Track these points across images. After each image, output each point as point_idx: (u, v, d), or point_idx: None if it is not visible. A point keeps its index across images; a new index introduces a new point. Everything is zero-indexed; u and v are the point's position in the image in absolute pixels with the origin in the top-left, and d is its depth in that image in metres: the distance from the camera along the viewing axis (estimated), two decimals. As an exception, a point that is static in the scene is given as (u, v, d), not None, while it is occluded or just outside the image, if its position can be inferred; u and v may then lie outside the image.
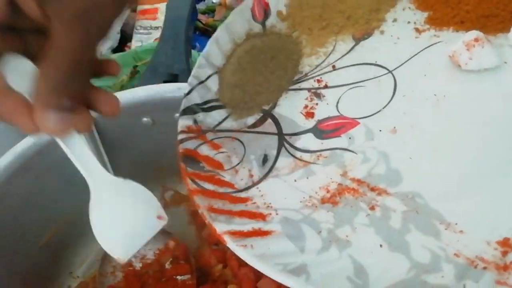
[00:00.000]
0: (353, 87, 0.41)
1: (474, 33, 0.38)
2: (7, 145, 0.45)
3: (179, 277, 0.50)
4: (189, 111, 0.41)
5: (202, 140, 0.40)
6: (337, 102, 0.41)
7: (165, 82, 0.51)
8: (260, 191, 0.37)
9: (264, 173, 0.38)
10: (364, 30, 0.44)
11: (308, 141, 0.40)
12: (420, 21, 0.43)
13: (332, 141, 0.39)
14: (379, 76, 0.41)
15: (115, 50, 0.81)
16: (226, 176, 0.38)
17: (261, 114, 0.42)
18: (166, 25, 0.56)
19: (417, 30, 0.43)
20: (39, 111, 0.25)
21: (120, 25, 0.81)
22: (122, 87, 0.67)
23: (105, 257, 0.52)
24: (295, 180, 0.38)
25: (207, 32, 0.82)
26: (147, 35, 0.80)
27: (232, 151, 0.40)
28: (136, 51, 0.72)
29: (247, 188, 0.37)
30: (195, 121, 0.40)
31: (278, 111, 0.42)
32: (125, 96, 0.48)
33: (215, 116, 0.42)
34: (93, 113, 0.47)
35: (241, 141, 0.41)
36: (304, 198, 0.36)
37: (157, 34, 0.79)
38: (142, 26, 0.81)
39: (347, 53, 0.44)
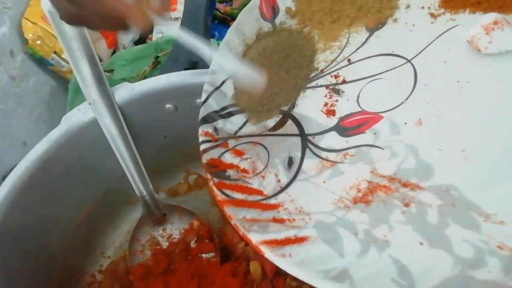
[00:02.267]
0: (372, 80, 0.35)
1: (492, 16, 0.33)
2: (41, 133, 0.45)
3: (203, 255, 0.48)
4: (208, 119, 0.36)
5: (225, 147, 0.35)
6: (358, 97, 0.35)
7: (186, 69, 0.46)
8: (289, 195, 0.32)
9: (291, 176, 0.33)
10: (377, 20, 0.38)
11: (332, 139, 0.35)
12: (435, 5, 0.36)
13: (357, 138, 0.34)
14: (398, 67, 0.35)
15: (137, 42, 0.78)
16: (254, 183, 0.33)
17: (281, 116, 0.37)
18: (186, 15, 0.52)
19: (432, 15, 0.36)
20: None
21: (142, 17, 0.75)
22: (145, 77, 0.62)
23: (134, 237, 0.49)
24: (324, 182, 0.33)
25: (225, 21, 0.79)
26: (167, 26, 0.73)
27: (256, 157, 0.35)
28: (157, 42, 0.68)
29: (276, 194, 0.33)
30: (215, 129, 0.36)
31: (297, 111, 0.37)
32: (149, 84, 0.45)
33: (235, 122, 0.37)
34: (119, 101, 0.41)
35: (263, 146, 0.36)
36: (335, 199, 0.31)
37: (176, 25, 0.72)
38: (162, 18, 0.74)
39: (362, 45, 0.37)
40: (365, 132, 0.34)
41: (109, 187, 0.51)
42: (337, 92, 0.36)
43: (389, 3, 0.38)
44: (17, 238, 0.43)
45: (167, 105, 0.46)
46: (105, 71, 0.61)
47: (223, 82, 0.38)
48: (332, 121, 0.35)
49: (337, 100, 0.36)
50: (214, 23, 0.78)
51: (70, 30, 0.43)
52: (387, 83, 0.35)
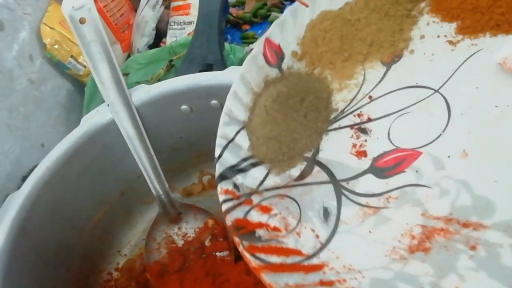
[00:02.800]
0: (401, 115, 0.32)
1: None
2: (59, 135, 0.46)
3: (218, 253, 0.47)
4: (226, 175, 0.32)
5: (249, 205, 0.31)
6: (388, 134, 0.31)
7: (200, 71, 0.47)
8: (333, 252, 0.28)
9: (331, 229, 0.29)
10: (392, 53, 0.34)
11: (369, 183, 0.30)
12: (451, 32, 0.33)
13: (397, 178, 0.30)
14: (426, 98, 0.32)
15: (151, 46, 0.76)
16: (289, 242, 0.29)
17: (305, 163, 0.33)
18: (200, 19, 0.51)
19: (450, 42, 0.33)
20: None
21: (155, 22, 0.76)
22: (159, 80, 0.62)
23: (150, 235, 0.48)
24: (370, 232, 0.28)
25: (237, 25, 0.76)
26: (181, 30, 0.74)
27: (286, 211, 0.31)
28: (171, 46, 0.65)
29: (317, 252, 0.28)
30: (235, 185, 0.32)
31: (323, 156, 0.33)
32: (165, 86, 0.43)
33: (255, 175, 0.33)
34: (136, 103, 0.42)
35: (292, 198, 0.31)
36: (387, 250, 0.27)
37: (190, 28, 0.72)
38: (176, 22, 0.75)
39: (381, 80, 0.34)
40: (405, 171, 0.29)
41: (125, 187, 0.50)
42: (364, 131, 0.32)
43: (401, 35, 0.34)
44: (37, 236, 0.40)
45: (183, 107, 0.44)
46: None
47: (236, 133, 0.34)
48: (365, 163, 0.31)
49: (366, 140, 0.32)
50: (226, 27, 0.74)
51: (89, 34, 0.40)
52: (418, 116, 0.31)
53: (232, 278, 0.43)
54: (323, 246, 0.28)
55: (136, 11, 0.77)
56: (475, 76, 0.31)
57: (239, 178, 0.32)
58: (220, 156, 0.33)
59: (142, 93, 0.44)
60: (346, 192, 0.30)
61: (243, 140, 0.34)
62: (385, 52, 0.35)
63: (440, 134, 0.30)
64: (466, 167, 0.28)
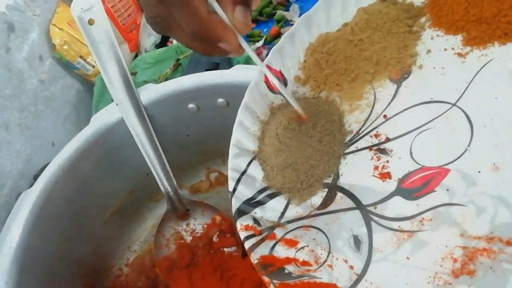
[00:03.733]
0: (420, 132, 0.30)
1: None
2: (68, 134, 0.44)
3: (225, 249, 0.46)
4: (243, 210, 0.29)
5: (273, 239, 0.28)
6: (411, 153, 0.29)
7: (207, 70, 0.47)
8: (371, 283, 0.25)
9: (365, 259, 0.27)
10: (400, 70, 0.33)
11: (399, 206, 0.28)
12: (458, 45, 0.31)
13: (428, 198, 0.27)
14: (444, 113, 0.29)
15: (158, 46, 0.75)
16: (323, 276, 0.26)
17: (326, 190, 0.30)
18: None
19: (460, 54, 0.31)
20: (229, 6, 0.25)
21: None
22: (166, 79, 0.62)
23: (159, 231, 0.49)
24: (407, 258, 0.26)
25: None
26: (187, 30, 0.75)
27: (313, 243, 0.28)
28: (178, 45, 0.63)
29: (354, 285, 0.26)
30: (255, 220, 0.29)
31: (345, 181, 0.30)
32: (173, 85, 0.43)
33: (275, 207, 0.30)
34: (144, 102, 0.43)
35: (318, 228, 0.29)
36: (429, 276, 0.25)
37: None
38: (183, 21, 0.76)
39: (393, 98, 0.32)
40: (435, 191, 0.27)
41: (134, 185, 0.49)
42: (384, 152, 0.30)
43: (407, 51, 0.33)
44: (50, 233, 0.40)
45: (190, 105, 0.44)
46: None
47: (248, 164, 0.32)
48: (391, 185, 0.28)
49: (387, 161, 0.29)
50: None
51: (98, 35, 0.40)
52: (439, 132, 0.29)
53: (239, 273, 0.43)
54: (360, 277, 0.26)
55: (143, 11, 0.78)
56: (491, 87, 0.29)
57: (258, 212, 0.30)
58: (234, 190, 0.30)
59: (150, 92, 0.44)
60: (375, 218, 0.27)
61: (256, 171, 0.32)
62: (393, 70, 0.33)
63: (466, 149, 0.28)
64: (499, 181, 0.26)
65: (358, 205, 0.29)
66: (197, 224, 0.49)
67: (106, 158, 0.45)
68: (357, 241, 0.28)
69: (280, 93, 0.34)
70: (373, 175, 0.29)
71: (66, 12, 0.65)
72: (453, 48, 0.32)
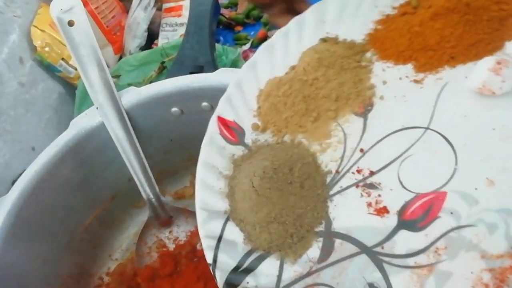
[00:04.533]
0: (403, 160, 0.29)
1: (491, 59, 0.29)
2: (49, 139, 0.43)
3: None
4: (232, 283, 0.27)
5: None
6: (401, 183, 0.28)
7: (191, 73, 0.46)
8: None
9: None
10: (362, 103, 0.32)
11: (407, 240, 0.26)
12: (410, 72, 0.32)
13: (435, 226, 0.26)
14: (420, 137, 0.29)
15: (143, 48, 0.73)
16: None
17: (322, 239, 0.28)
18: (191, 20, 0.49)
19: (416, 81, 0.32)
20: None
21: (147, 23, 0.76)
22: (151, 82, 0.62)
23: (141, 239, 0.47)
24: None
25: (230, 26, 0.74)
26: (173, 32, 0.73)
27: None
28: (163, 48, 0.62)
29: None
30: None
31: (339, 225, 0.28)
32: (155, 88, 0.42)
33: (268, 271, 0.27)
34: (126, 105, 0.42)
35: (325, 285, 0.26)
36: None
37: (182, 30, 0.71)
38: (168, 24, 0.74)
39: (364, 131, 0.31)
40: (439, 217, 0.26)
41: (116, 191, 0.48)
42: (372, 186, 0.29)
43: (363, 85, 0.33)
44: (26, 241, 0.39)
45: (173, 109, 0.43)
46: (112, 76, 0.60)
47: (223, 228, 0.29)
48: (391, 220, 0.27)
49: (379, 195, 0.28)
50: (219, 28, 0.71)
51: (78, 36, 0.38)
52: (422, 156, 0.29)
53: None
54: None
55: (127, 12, 0.75)
56: (457, 106, 0.30)
57: (250, 281, 0.27)
58: (215, 260, 0.27)
59: (132, 96, 0.42)
60: (386, 258, 0.26)
61: (234, 233, 0.29)
62: (355, 104, 0.33)
63: (455, 169, 0.28)
64: (498, 195, 0.26)
65: (363, 248, 0.27)
66: (181, 231, 0.48)
67: (85, 164, 0.44)
68: None
69: (239, 144, 0.33)
70: (369, 213, 0.28)
71: (48, 13, 0.63)
72: (407, 76, 0.32)
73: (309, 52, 0.35)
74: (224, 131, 0.34)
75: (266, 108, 0.34)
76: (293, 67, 0.35)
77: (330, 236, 0.28)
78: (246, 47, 0.69)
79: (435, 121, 0.30)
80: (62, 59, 0.63)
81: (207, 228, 0.29)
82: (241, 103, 0.35)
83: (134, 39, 0.72)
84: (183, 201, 0.53)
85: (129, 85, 0.57)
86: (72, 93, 0.66)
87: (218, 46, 0.58)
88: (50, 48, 0.61)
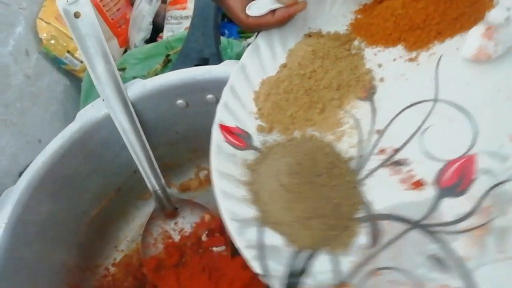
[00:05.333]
0: (423, 132, 0.30)
1: (480, 27, 0.30)
2: (55, 131, 0.43)
3: (214, 248, 0.46)
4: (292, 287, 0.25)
5: None
6: (428, 154, 0.29)
7: (196, 66, 0.47)
8: None
9: (462, 274, 0.25)
10: (364, 87, 0.33)
11: (452, 207, 0.27)
12: (403, 53, 0.33)
13: (475, 187, 0.27)
14: (432, 109, 0.30)
15: (148, 41, 0.73)
16: None
17: (367, 224, 0.28)
18: (196, 13, 0.49)
19: (411, 60, 0.33)
20: None
21: (152, 16, 0.75)
22: (156, 75, 0.62)
23: (147, 230, 0.48)
24: (501, 251, 0.25)
25: None
26: (178, 25, 0.73)
27: (395, 286, 0.25)
28: (168, 41, 0.63)
29: None
30: None
31: (380, 207, 0.28)
32: (160, 80, 0.42)
33: (322, 267, 0.26)
34: (132, 97, 0.42)
35: (387, 268, 0.26)
36: None
37: (187, 23, 0.71)
38: (173, 16, 0.74)
39: (375, 113, 0.32)
40: (476, 177, 0.27)
41: (122, 182, 0.49)
42: (400, 163, 0.29)
43: (360, 70, 0.34)
44: (33, 231, 0.40)
45: (179, 101, 0.43)
46: (117, 69, 0.62)
47: (260, 234, 0.27)
48: (430, 191, 0.27)
49: (410, 170, 0.29)
50: (223, 21, 0.70)
51: (84, 28, 0.38)
52: (440, 126, 0.29)
53: (228, 273, 0.42)
54: None
55: (132, 5, 0.76)
56: (458, 76, 0.31)
57: (307, 281, 0.25)
58: (266, 270, 0.25)
59: (137, 88, 0.43)
60: (438, 228, 0.26)
61: (273, 238, 0.27)
62: (357, 89, 0.33)
63: (477, 131, 0.28)
64: None
65: (412, 224, 0.27)
66: (186, 223, 0.49)
67: (92, 155, 0.44)
68: (437, 261, 0.25)
69: (249, 148, 0.32)
70: (405, 189, 0.28)
71: (54, 5, 0.64)
72: (401, 57, 0.34)
73: (300, 46, 0.35)
74: (230, 138, 0.33)
75: (268, 108, 0.33)
76: (284, 65, 0.35)
77: (374, 219, 0.28)
78: (251, 40, 0.69)
79: (441, 93, 0.31)
80: (68, 51, 0.63)
81: (244, 238, 0.27)
82: (239, 107, 0.34)
83: (139, 32, 0.72)
84: (188, 193, 0.54)
85: (134, 78, 0.57)
86: (77, 86, 0.66)
87: (223, 39, 0.59)
88: (56, 40, 0.62)
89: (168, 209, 0.47)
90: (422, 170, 0.29)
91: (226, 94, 0.34)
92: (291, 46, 0.36)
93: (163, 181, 0.45)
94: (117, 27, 0.70)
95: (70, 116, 0.65)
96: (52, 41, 0.62)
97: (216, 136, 0.32)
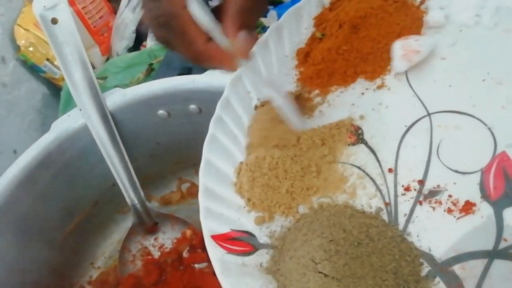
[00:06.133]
0: (436, 151, 0.28)
1: (398, 44, 0.31)
2: (32, 141, 0.42)
3: (196, 265, 0.44)
4: None
5: None
6: (457, 171, 0.26)
7: (179, 75, 0.45)
8: None
9: None
10: (348, 133, 0.31)
11: None
12: (366, 84, 0.32)
13: None
14: (432, 124, 0.29)
15: (131, 49, 0.72)
16: None
17: (438, 279, 0.24)
18: None
19: (378, 87, 0.32)
20: (232, 31, 0.24)
21: (135, 24, 0.74)
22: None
23: (125, 246, 0.46)
24: None
25: None
26: (162, 34, 0.73)
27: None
28: (151, 49, 0.61)
29: None
30: None
31: (443, 251, 0.24)
32: (141, 90, 0.41)
33: None
34: (111, 107, 0.40)
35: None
36: None
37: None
38: (157, 25, 0.74)
39: (375, 154, 0.29)
40: None
41: (99, 196, 0.47)
42: (434, 193, 0.26)
43: (338, 128, 0.31)
44: (2, 249, 0.38)
45: (160, 111, 0.42)
46: (98, 78, 0.59)
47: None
48: (485, 209, 0.24)
49: (449, 196, 0.26)
50: None
51: (61, 35, 0.37)
52: (450, 137, 0.27)
53: None
54: None
55: (115, 13, 0.75)
56: (435, 83, 0.30)
57: None
58: None
59: (117, 97, 0.41)
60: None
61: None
62: (342, 137, 0.30)
63: (490, 128, 0.27)
64: None
65: (488, 255, 0.23)
66: (166, 238, 0.47)
67: (67, 167, 0.43)
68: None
69: (259, 248, 0.27)
70: (458, 218, 0.25)
71: (33, 12, 0.62)
72: (367, 88, 0.31)
73: (257, 118, 0.32)
74: (230, 246, 0.27)
75: (258, 194, 0.29)
76: (251, 145, 0.31)
77: (443, 269, 0.24)
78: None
79: (430, 104, 0.29)
80: (47, 59, 0.61)
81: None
82: (224, 208, 0.29)
83: (122, 40, 0.70)
84: (169, 207, 0.52)
85: (116, 87, 0.55)
86: (57, 95, 0.64)
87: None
88: (35, 48, 0.60)
89: (148, 224, 0.45)
90: (462, 190, 0.26)
91: (203, 200, 0.28)
92: (247, 123, 0.32)
93: (142, 194, 0.43)
94: (99, 35, 0.69)
95: (48, 126, 0.63)
96: (31, 48, 0.60)
97: (214, 252, 0.26)
